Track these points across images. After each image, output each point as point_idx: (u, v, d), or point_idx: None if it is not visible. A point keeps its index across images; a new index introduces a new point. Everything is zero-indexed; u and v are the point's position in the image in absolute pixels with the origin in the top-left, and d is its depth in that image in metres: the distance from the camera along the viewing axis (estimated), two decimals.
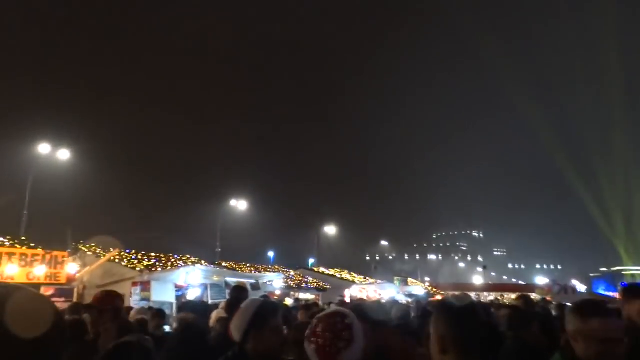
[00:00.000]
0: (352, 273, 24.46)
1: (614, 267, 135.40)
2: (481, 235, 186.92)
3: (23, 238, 12.42)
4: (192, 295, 14.46)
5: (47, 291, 10.85)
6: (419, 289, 26.40)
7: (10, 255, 10.33)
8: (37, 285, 10.66)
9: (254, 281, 14.53)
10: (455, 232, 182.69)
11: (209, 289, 14.80)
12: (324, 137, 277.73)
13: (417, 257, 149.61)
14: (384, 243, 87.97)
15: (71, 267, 11.50)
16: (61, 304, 10.10)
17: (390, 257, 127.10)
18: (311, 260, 42.96)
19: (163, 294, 13.50)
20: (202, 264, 14.41)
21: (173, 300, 13.67)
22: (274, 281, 15.98)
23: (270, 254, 45.95)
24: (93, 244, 14.46)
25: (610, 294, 38.98)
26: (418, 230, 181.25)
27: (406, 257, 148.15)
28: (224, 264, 16.40)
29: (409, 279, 29.38)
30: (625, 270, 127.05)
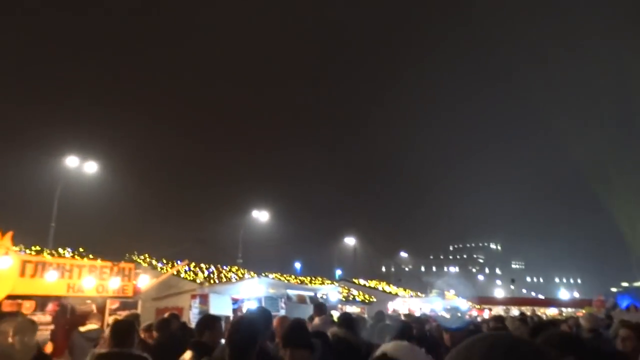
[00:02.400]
0: (391, 285, 23.89)
1: (635, 282, 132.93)
2: (499, 247, 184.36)
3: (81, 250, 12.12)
4: (248, 308, 14.03)
5: (112, 304, 10.47)
6: (462, 302, 25.73)
7: (81, 267, 9.96)
8: (104, 298, 10.31)
9: (313, 294, 14.03)
10: (473, 244, 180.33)
11: (263, 302, 14.35)
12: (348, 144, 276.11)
13: (434, 269, 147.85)
14: (403, 254, 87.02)
15: (142, 280, 11.10)
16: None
17: (407, 269, 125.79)
18: (338, 272, 42.37)
19: (221, 307, 13.08)
20: (261, 276, 13.91)
21: (230, 313, 13.25)
22: (329, 293, 15.46)
23: (297, 265, 45.43)
24: (147, 255, 14.11)
25: None
26: (435, 242, 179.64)
27: (422, 269, 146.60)
28: (284, 277, 15.89)
29: (446, 293, 28.72)
30: None
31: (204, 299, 12.83)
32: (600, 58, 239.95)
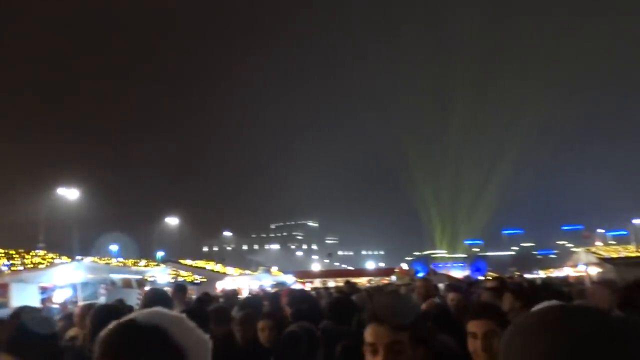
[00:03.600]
0: (221, 264, 23.53)
1: (424, 251, 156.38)
2: (316, 225, 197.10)
3: None
4: (60, 297, 12.32)
5: None
6: (289, 277, 26.73)
7: None
8: None
9: (140, 277, 12.92)
10: (292, 222, 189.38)
11: (79, 290, 12.73)
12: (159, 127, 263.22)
13: (256, 247, 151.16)
14: (227, 234, 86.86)
15: None
16: None
17: (229, 248, 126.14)
18: (160, 254, 40.26)
19: (25, 298, 11.20)
20: (77, 260, 12.28)
21: (37, 304, 11.45)
22: (157, 275, 14.41)
23: (113, 247, 41.67)
24: None
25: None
26: (257, 221, 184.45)
27: (245, 247, 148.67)
28: (103, 260, 14.21)
29: (272, 269, 29.55)
30: (434, 253, 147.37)
31: (3, 290, 10.82)
32: (412, 58, 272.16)
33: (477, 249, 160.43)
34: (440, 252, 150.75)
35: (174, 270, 18.32)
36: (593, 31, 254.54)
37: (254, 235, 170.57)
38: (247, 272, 24.13)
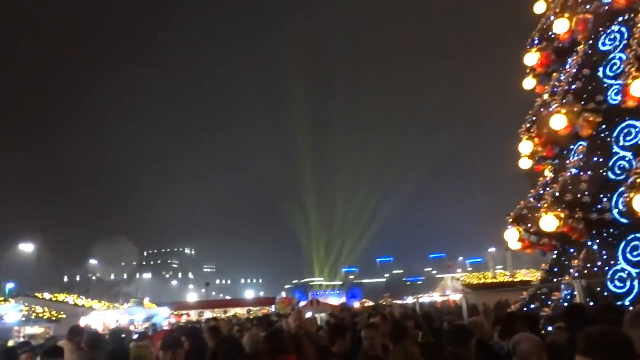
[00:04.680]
0: (86, 298, 21.06)
1: (302, 279, 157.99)
2: (193, 252, 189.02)
3: None
4: None
5: None
6: (164, 310, 24.63)
7: None
8: None
9: None
10: (167, 250, 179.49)
11: None
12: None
13: (125, 276, 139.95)
14: (93, 262, 79.31)
15: None
16: None
17: (94, 278, 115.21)
18: (9, 286, 35.25)
19: None
20: None
21: None
22: (8, 314, 12.27)
23: None
24: None
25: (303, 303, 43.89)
26: (127, 248, 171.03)
27: (112, 277, 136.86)
28: None
29: (145, 301, 27.22)
30: (312, 281, 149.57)
31: None
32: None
33: (353, 277, 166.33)
34: (318, 280, 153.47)
35: (27, 306, 15.90)
36: (452, 68, 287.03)
37: (123, 264, 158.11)
38: (116, 305, 21.94)
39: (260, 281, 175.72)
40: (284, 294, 69.24)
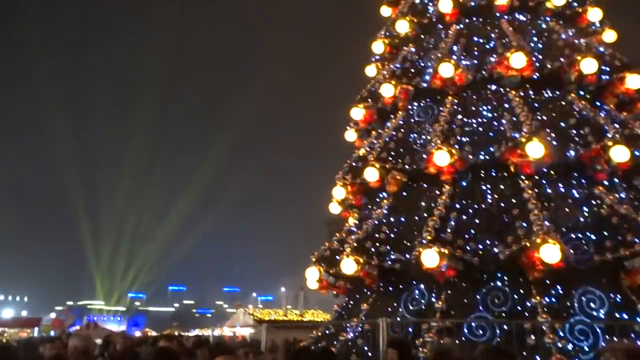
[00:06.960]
0: None
1: (79, 301, 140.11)
2: None
3: None
4: None
5: None
6: None
7: None
8: None
9: None
10: None
11: None
12: None
13: None
14: None
15: None
16: None
17: None
18: None
19: None
20: None
21: None
22: None
23: None
24: None
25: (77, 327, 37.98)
26: None
27: None
28: None
29: None
30: (91, 304, 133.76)
31: None
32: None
33: (139, 303, 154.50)
34: (98, 303, 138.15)
35: None
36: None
37: None
38: None
39: (26, 299, 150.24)
40: (52, 315, 60.36)
